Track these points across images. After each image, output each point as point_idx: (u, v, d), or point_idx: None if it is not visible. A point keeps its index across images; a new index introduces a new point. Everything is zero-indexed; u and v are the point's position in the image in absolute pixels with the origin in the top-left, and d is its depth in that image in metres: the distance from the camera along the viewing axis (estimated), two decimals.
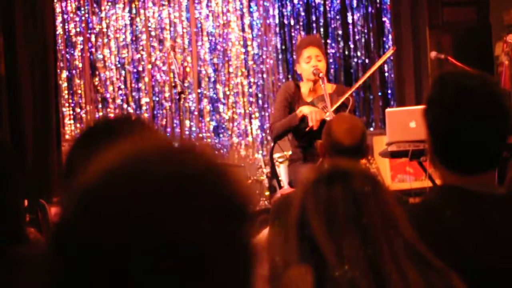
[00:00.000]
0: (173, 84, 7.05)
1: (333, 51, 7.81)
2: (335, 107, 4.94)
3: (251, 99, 7.72)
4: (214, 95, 7.69)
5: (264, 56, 7.76)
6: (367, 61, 7.84)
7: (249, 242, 0.84)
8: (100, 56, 7.44)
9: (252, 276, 0.84)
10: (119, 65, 7.48)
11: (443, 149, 1.99)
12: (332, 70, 7.77)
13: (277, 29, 7.81)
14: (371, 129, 7.72)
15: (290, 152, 5.37)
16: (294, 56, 7.63)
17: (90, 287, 0.77)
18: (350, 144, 3.44)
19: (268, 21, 7.79)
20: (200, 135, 7.57)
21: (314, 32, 7.77)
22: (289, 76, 7.68)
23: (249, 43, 7.73)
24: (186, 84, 7.44)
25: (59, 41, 7.12)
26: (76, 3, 7.33)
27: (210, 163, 0.84)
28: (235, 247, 0.82)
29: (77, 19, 7.35)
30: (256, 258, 0.84)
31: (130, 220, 0.78)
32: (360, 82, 5.52)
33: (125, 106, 7.48)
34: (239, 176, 0.86)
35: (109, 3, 7.43)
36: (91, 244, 0.77)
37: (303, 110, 4.96)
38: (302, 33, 7.74)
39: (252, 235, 0.85)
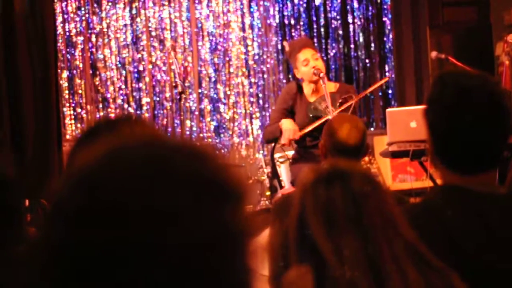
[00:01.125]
0: (173, 84, 7.05)
1: (333, 51, 7.81)
2: (338, 110, 4.94)
3: (251, 99, 7.72)
4: (215, 95, 7.69)
5: (264, 56, 7.76)
6: (367, 61, 7.84)
7: (239, 224, 0.83)
8: (101, 56, 7.44)
9: (248, 260, 0.83)
10: (119, 65, 7.48)
11: (443, 149, 1.99)
12: (332, 70, 7.76)
13: (278, 29, 7.81)
14: (372, 129, 7.71)
15: (291, 152, 5.40)
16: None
17: (88, 273, 0.78)
18: (353, 143, 3.45)
19: (268, 21, 7.78)
20: (201, 135, 7.57)
21: (315, 32, 7.77)
22: (290, 76, 7.68)
23: (249, 43, 7.73)
24: (186, 84, 7.44)
25: (60, 41, 7.12)
26: (77, 3, 7.33)
27: (200, 149, 0.84)
28: (222, 228, 0.82)
29: (78, 19, 7.35)
30: (252, 241, 0.83)
31: (128, 202, 0.78)
32: (359, 96, 5.50)
33: (125, 106, 7.47)
34: (239, 171, 0.85)
35: (110, 3, 7.43)
36: (93, 222, 0.78)
37: (283, 124, 5.02)
38: (303, 33, 7.73)
39: (245, 217, 0.83)
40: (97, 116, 7.37)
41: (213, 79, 7.67)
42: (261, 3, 7.73)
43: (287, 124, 5.02)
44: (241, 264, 0.82)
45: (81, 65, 7.37)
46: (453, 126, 1.95)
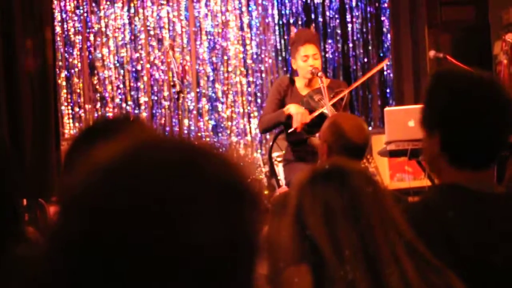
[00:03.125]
0: (172, 83, 7.04)
1: (332, 50, 7.80)
2: (332, 102, 4.95)
3: (250, 98, 7.72)
4: (213, 94, 7.68)
5: (263, 55, 7.76)
6: (365, 60, 7.83)
7: (256, 230, 0.84)
8: (99, 55, 7.43)
9: (255, 268, 0.83)
10: (118, 64, 7.48)
11: (451, 144, 1.99)
12: (330, 69, 7.76)
13: (276, 28, 7.81)
14: (370, 128, 7.70)
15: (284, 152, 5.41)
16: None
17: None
18: (362, 142, 3.47)
19: (267, 20, 7.78)
20: (199, 134, 7.57)
21: (297, 30, 7.76)
22: (288, 75, 7.67)
23: (248, 42, 7.72)
24: (185, 83, 7.44)
25: (58, 40, 7.12)
26: (75, 2, 7.32)
27: (215, 152, 0.85)
28: (243, 232, 0.82)
29: (76, 18, 7.34)
30: (260, 249, 0.84)
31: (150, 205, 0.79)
32: (353, 86, 5.64)
33: (124, 105, 7.47)
34: (246, 168, 0.86)
35: (108, 2, 7.42)
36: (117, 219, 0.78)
37: (290, 109, 4.97)
38: None
39: (258, 223, 0.84)
40: (95, 115, 7.37)
41: (211, 78, 7.67)
42: (260, 2, 7.72)
43: (296, 108, 4.96)
44: (252, 268, 0.83)
45: (79, 64, 7.36)
46: (452, 123, 1.97)
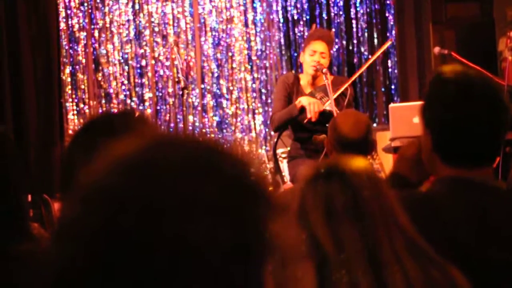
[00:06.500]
0: (176, 80, 7.05)
1: (336, 46, 7.80)
2: (334, 96, 4.97)
3: (254, 94, 7.72)
4: (218, 91, 7.68)
5: (267, 52, 7.76)
6: (370, 56, 7.82)
7: (266, 228, 0.84)
8: (104, 52, 7.44)
9: (266, 266, 0.83)
10: (122, 61, 7.48)
11: (443, 144, 1.99)
12: (335, 66, 7.76)
13: (281, 24, 7.80)
14: (375, 124, 7.70)
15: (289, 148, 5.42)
16: (298, 51, 7.63)
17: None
18: (355, 137, 3.46)
19: (271, 17, 7.77)
20: (204, 130, 7.57)
21: (318, 27, 7.76)
22: (293, 71, 7.67)
23: (252, 38, 7.72)
24: (189, 80, 7.44)
25: (62, 36, 7.12)
26: None
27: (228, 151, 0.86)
28: (251, 231, 0.82)
29: (81, 14, 7.35)
30: (271, 247, 0.84)
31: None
32: (358, 73, 5.65)
33: (128, 101, 7.48)
34: (257, 165, 0.86)
35: None
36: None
37: (302, 101, 5.00)
38: (306, 28, 7.73)
39: (270, 221, 0.84)
40: (100, 111, 7.37)
41: (215, 75, 7.67)
42: None
43: (307, 99, 5.01)
44: (264, 267, 0.83)
45: (83, 61, 7.36)
46: (453, 121, 1.96)
